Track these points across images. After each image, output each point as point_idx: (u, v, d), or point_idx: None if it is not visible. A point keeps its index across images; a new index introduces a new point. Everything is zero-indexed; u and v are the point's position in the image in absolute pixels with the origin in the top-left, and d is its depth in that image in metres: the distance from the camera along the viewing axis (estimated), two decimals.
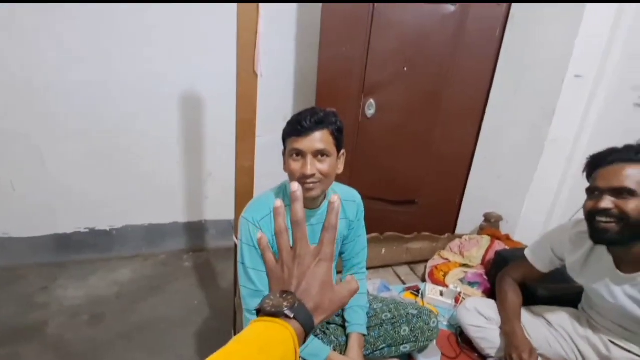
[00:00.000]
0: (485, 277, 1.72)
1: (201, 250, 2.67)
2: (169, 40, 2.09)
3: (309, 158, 0.98)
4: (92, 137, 2.12)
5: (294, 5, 2.24)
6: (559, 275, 1.31)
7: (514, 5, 1.80)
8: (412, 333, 1.22)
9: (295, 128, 0.98)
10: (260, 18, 1.11)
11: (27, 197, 2.12)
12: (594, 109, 1.62)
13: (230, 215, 2.60)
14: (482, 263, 1.80)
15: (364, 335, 1.20)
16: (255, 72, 1.20)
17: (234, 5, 1.15)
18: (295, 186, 0.45)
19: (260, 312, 0.44)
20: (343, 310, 1.26)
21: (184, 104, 2.23)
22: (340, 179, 1.16)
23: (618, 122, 1.56)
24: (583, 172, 1.09)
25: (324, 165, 1.00)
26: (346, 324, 1.22)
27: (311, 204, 1.10)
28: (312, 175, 0.99)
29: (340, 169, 1.09)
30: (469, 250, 1.86)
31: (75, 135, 2.09)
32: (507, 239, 1.87)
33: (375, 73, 1.93)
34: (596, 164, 1.02)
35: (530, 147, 1.76)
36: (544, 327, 1.29)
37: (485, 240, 1.86)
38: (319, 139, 0.98)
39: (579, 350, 1.21)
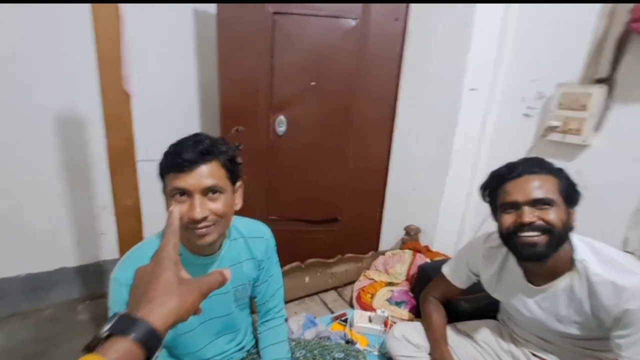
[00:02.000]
0: (410, 294, 1.68)
1: (101, 297, 2.23)
2: (36, 51, 1.70)
3: (197, 198, 0.78)
4: None
5: (189, 13, 2.02)
6: (478, 286, 1.31)
7: (411, 21, 1.83)
8: None
9: (175, 161, 0.77)
10: (122, 23, 0.89)
11: None
12: (490, 120, 1.71)
13: None
14: (407, 279, 1.77)
15: None
16: (125, 90, 0.96)
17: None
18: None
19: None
20: None
21: (62, 127, 1.84)
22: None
23: (511, 132, 1.65)
24: (483, 188, 1.07)
25: (217, 205, 0.81)
26: None
27: (208, 249, 0.90)
28: (204, 219, 0.79)
29: (239, 204, 0.91)
30: (393, 266, 1.81)
31: None
32: (427, 250, 1.87)
33: (282, 88, 1.81)
34: (502, 178, 1.01)
35: (438, 158, 1.79)
36: (470, 345, 1.26)
37: (408, 254, 1.84)
38: (207, 173, 0.79)
39: None
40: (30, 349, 1.73)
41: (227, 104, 1.78)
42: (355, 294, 1.75)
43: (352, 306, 1.73)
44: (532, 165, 0.96)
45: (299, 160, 1.98)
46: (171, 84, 2.08)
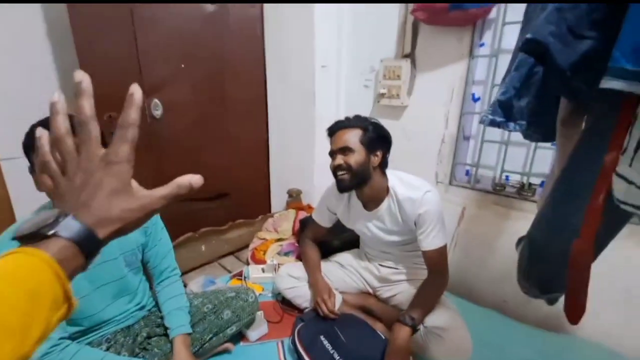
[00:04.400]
0: (296, 244, 1.98)
1: None
2: None
3: None
4: None
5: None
6: (344, 227, 1.66)
7: (266, 7, 2.04)
8: (234, 313, 1.30)
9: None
10: None
11: None
12: (342, 91, 2.07)
13: None
14: (293, 233, 2.07)
15: (189, 334, 1.20)
16: None
17: None
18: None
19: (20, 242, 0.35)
20: (162, 319, 1.23)
21: None
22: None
23: (357, 100, 2.04)
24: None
25: None
26: (168, 331, 1.20)
27: None
28: None
29: None
30: (281, 225, 2.09)
31: None
32: (309, 207, 2.19)
33: (152, 72, 1.85)
34: (329, 133, 1.34)
35: (305, 127, 2.10)
36: (339, 270, 1.60)
37: (292, 213, 2.13)
38: None
39: (364, 278, 1.58)
40: None
41: (94, 91, 1.75)
42: (249, 254, 1.98)
43: (248, 264, 1.96)
44: (345, 122, 1.31)
45: (182, 141, 2.06)
46: (25, 77, 1.91)
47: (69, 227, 0.35)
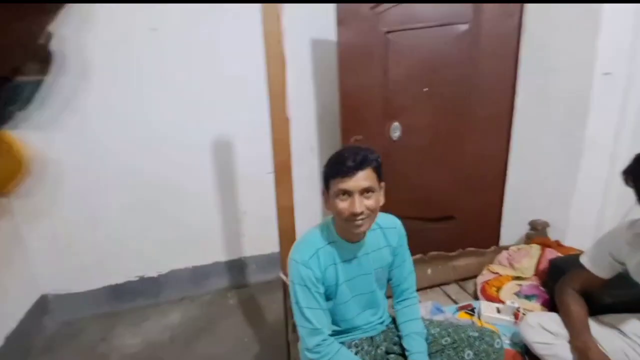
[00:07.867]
0: (541, 288, 1.65)
1: (244, 287, 2.70)
2: (198, 93, 2.23)
3: (357, 197, 1.01)
4: (136, 191, 2.25)
5: (307, 44, 2.34)
6: (622, 279, 1.25)
7: (527, 18, 1.80)
8: (477, 356, 1.17)
9: (340, 169, 1.01)
10: (287, 67, 1.18)
11: (82, 253, 2.25)
12: (631, 105, 1.57)
13: (268, 250, 2.66)
14: (536, 274, 1.73)
15: None
16: (287, 117, 1.26)
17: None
18: None
19: None
20: (401, 338, 1.24)
21: (216, 150, 2.34)
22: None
23: None
24: (626, 172, 1.05)
25: (370, 201, 1.03)
26: (406, 353, 1.20)
27: (357, 237, 1.13)
28: (362, 213, 1.02)
29: (382, 200, 1.11)
30: (519, 261, 1.79)
31: (120, 191, 2.22)
32: (558, 245, 1.79)
33: (396, 97, 1.97)
34: None
35: (568, 150, 1.72)
36: (618, 338, 1.21)
37: (535, 249, 1.79)
38: (363, 177, 1.01)
39: None
40: (198, 324, 2.24)
41: (346, 117, 2.02)
42: (479, 287, 1.78)
43: (476, 298, 1.78)
44: None
45: (413, 162, 2.11)
46: (296, 107, 2.41)
47: None
